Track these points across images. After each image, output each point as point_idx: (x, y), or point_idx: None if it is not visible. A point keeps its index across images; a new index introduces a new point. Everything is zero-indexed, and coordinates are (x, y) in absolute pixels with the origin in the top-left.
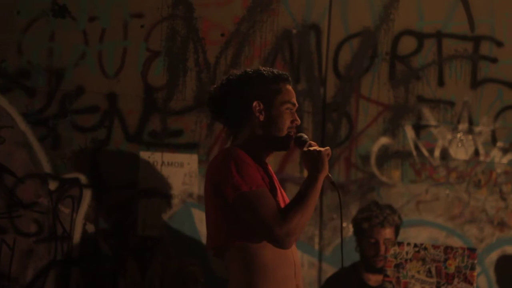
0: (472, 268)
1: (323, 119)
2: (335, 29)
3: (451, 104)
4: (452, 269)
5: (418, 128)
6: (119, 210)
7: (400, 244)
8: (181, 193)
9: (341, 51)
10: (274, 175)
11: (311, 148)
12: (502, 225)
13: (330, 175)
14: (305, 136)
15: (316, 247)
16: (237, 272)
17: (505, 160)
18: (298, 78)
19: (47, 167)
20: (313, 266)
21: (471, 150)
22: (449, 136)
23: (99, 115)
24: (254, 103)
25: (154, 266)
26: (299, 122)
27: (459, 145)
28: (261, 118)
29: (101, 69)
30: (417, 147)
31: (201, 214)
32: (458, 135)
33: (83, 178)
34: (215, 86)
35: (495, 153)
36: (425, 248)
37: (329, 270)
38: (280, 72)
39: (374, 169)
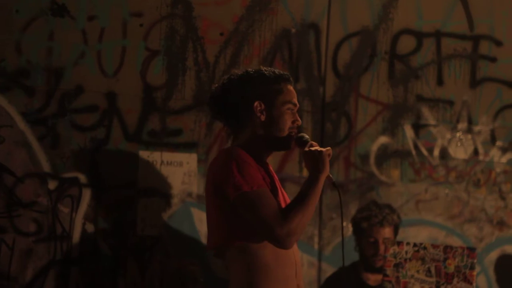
0: (472, 268)
1: (322, 118)
2: (334, 28)
3: (450, 103)
4: (451, 269)
5: (418, 127)
6: (118, 209)
7: (399, 243)
8: (181, 193)
9: (340, 50)
10: (275, 175)
11: (312, 148)
12: (501, 224)
13: (331, 176)
14: (306, 136)
15: (316, 246)
16: (238, 272)
17: (504, 159)
18: (297, 78)
19: (46, 167)
20: (312, 266)
21: (470, 149)
22: (448, 136)
23: (98, 114)
24: (256, 103)
25: (154, 266)
26: (300, 122)
27: (459, 144)
28: (262, 118)
29: (100, 68)
30: (416, 147)
31: (201, 213)
32: (458, 134)
33: (82, 178)
34: (216, 85)
35: (494, 153)
36: (425, 248)
37: (329, 270)
38: (282, 72)
39: (373, 169)
